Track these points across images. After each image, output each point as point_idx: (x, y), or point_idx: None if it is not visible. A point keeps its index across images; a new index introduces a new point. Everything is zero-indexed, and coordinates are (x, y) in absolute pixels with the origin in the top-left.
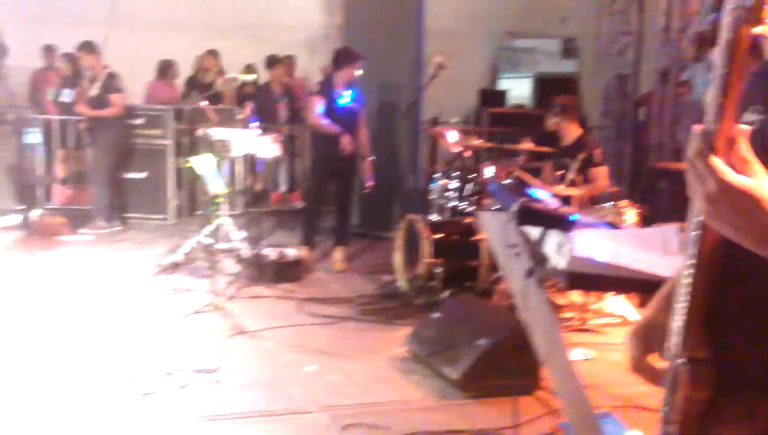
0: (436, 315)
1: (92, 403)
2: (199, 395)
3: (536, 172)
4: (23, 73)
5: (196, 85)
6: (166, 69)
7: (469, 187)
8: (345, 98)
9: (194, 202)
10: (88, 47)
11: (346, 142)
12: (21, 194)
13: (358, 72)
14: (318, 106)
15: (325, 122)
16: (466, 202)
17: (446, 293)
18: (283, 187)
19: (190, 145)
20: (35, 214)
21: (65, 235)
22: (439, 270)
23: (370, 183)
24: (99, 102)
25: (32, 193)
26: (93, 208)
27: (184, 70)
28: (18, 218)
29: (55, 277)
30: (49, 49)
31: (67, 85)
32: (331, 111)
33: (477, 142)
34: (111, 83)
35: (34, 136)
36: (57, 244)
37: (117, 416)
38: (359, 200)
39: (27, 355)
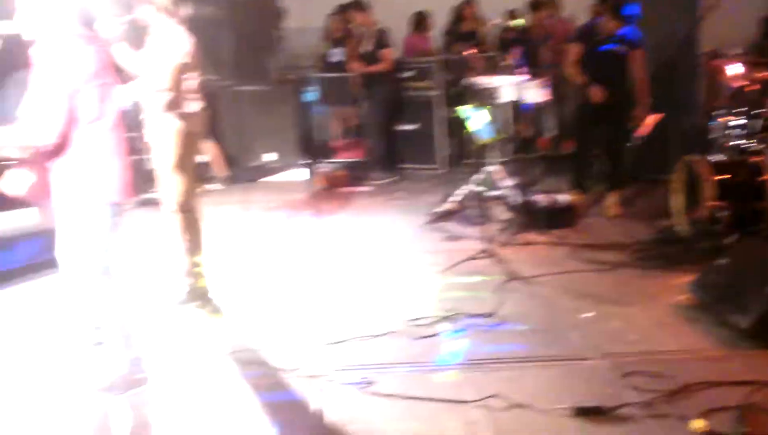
0: (723, 260)
1: (370, 346)
2: (476, 340)
3: None
4: (302, 35)
5: (455, 34)
6: (420, 21)
7: (755, 124)
8: (609, 42)
9: (463, 150)
10: (359, 5)
11: (594, 92)
12: (305, 150)
13: (627, 21)
14: (574, 53)
15: (575, 72)
16: (753, 140)
17: (732, 237)
18: (551, 132)
19: (457, 95)
20: (319, 168)
21: (347, 188)
22: (723, 213)
23: (641, 132)
24: (371, 58)
25: (315, 149)
26: (370, 160)
27: (439, 22)
28: (303, 173)
29: (340, 227)
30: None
31: (338, 44)
32: (591, 56)
33: (763, 74)
34: (382, 39)
35: (313, 95)
36: (339, 196)
37: (396, 359)
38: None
39: (310, 302)
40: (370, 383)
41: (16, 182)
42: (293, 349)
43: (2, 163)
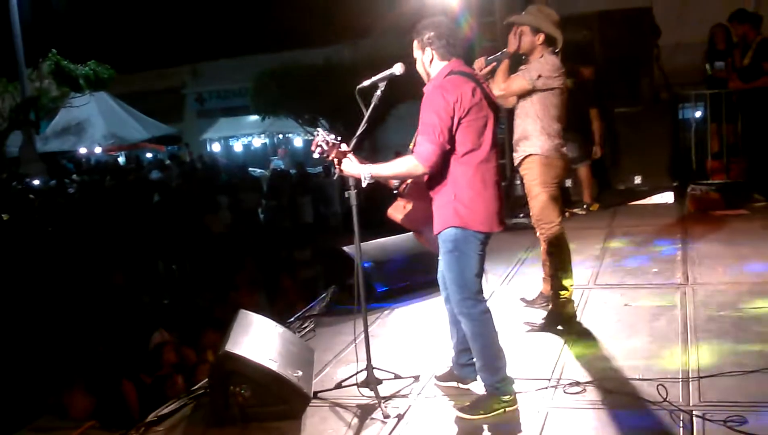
0: None
1: (743, 381)
2: None
3: None
4: (680, 50)
5: None
6: None
7: None
8: None
9: None
10: (741, 16)
11: None
12: (678, 171)
13: None
14: None
15: None
16: None
17: None
18: None
19: None
20: (692, 190)
21: (721, 211)
22: None
23: None
24: (752, 71)
25: (688, 170)
26: (749, 181)
27: None
28: (675, 196)
29: (711, 254)
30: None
31: (720, 57)
32: None
33: None
34: (765, 51)
35: (691, 112)
36: (711, 220)
37: None
38: None
39: (674, 329)
40: (743, 422)
41: (397, 209)
42: (660, 379)
43: (387, 190)
